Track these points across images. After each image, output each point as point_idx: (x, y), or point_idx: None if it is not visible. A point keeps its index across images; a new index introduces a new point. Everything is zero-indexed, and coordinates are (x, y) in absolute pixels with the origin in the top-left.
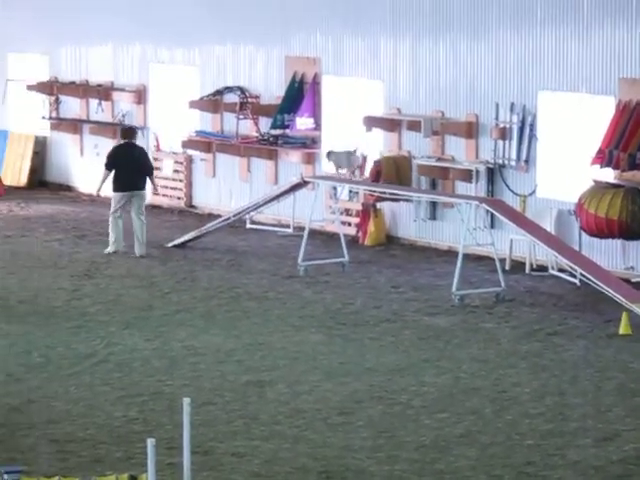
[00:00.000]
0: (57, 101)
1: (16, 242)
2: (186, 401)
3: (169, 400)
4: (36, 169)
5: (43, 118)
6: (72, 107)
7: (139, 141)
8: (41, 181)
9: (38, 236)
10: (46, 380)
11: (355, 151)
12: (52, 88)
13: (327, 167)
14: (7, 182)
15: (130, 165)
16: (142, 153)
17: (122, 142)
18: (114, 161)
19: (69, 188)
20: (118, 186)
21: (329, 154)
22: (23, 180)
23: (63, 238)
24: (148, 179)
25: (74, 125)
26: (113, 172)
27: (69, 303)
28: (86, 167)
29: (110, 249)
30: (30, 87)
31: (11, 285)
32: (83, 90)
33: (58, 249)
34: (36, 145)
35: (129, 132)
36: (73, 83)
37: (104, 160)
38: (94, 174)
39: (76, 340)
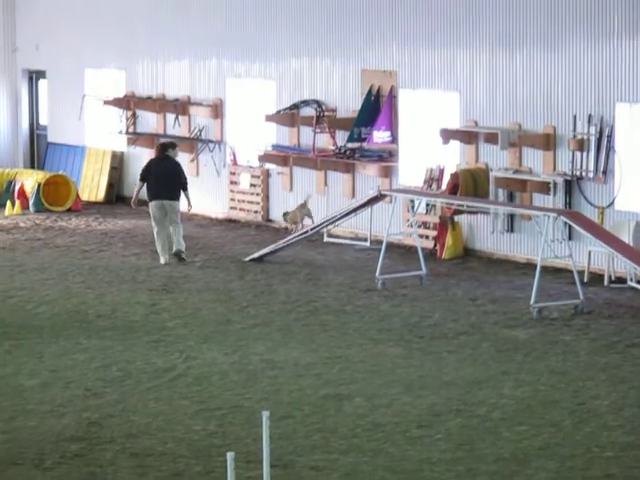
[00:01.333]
0: (134, 116)
1: (94, 257)
2: (265, 414)
3: (248, 414)
4: (113, 184)
5: (120, 133)
6: (149, 122)
7: (216, 155)
8: (118, 196)
9: (116, 251)
10: (125, 394)
11: (306, 201)
12: (129, 103)
13: (404, 180)
14: (85, 197)
15: (160, 176)
16: (175, 167)
17: (155, 156)
18: (146, 172)
19: (147, 203)
20: (150, 195)
21: (284, 215)
22: (101, 195)
23: (141, 252)
24: (183, 193)
25: (151, 140)
26: (146, 183)
27: (147, 317)
28: None
29: (162, 261)
30: (107, 102)
31: (89, 300)
32: (160, 105)
33: (136, 263)
34: (113, 160)
35: (163, 147)
36: (150, 98)
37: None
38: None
39: (155, 354)
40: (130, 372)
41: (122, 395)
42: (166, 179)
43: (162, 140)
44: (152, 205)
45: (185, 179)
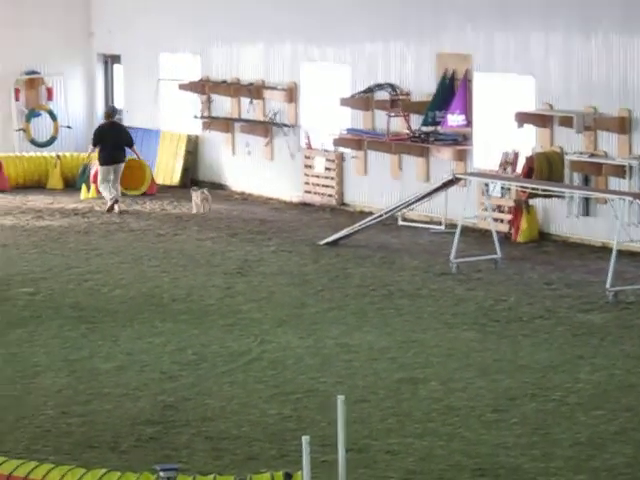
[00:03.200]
0: (209, 100)
1: (169, 240)
2: (340, 399)
3: (323, 398)
4: (188, 168)
5: (195, 117)
6: (224, 106)
7: (290, 139)
8: (193, 180)
9: (191, 234)
10: (200, 378)
11: (202, 190)
12: (204, 87)
13: (479, 164)
14: (160, 181)
15: (113, 141)
16: (122, 130)
17: (105, 122)
18: (100, 138)
19: (221, 186)
20: (106, 160)
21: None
22: (176, 179)
23: (215, 236)
24: (130, 150)
25: (226, 124)
26: (99, 148)
27: (222, 301)
28: (238, 165)
29: (110, 202)
30: (182, 87)
31: (164, 283)
32: (234, 89)
33: (211, 247)
34: (188, 144)
35: (114, 112)
36: (224, 82)
37: (92, 137)
38: (246, 172)
39: (230, 338)
40: (205, 356)
41: (197, 378)
42: (120, 144)
43: (109, 104)
44: (108, 168)
45: (131, 137)
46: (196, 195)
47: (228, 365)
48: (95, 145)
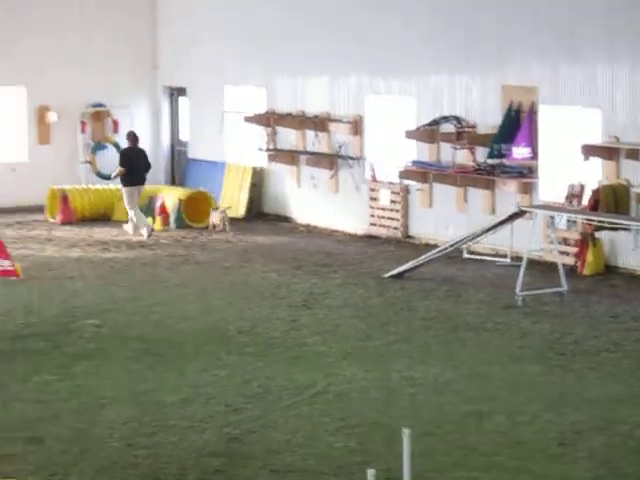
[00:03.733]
0: (274, 132)
1: (234, 273)
2: (406, 432)
3: (388, 431)
4: (254, 200)
5: (260, 150)
6: (288, 138)
7: (355, 171)
8: (259, 212)
9: (256, 267)
10: (265, 410)
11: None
12: (269, 120)
13: (545, 196)
14: None
15: (140, 164)
16: (144, 155)
17: (130, 146)
18: (128, 160)
19: (286, 219)
20: (131, 181)
21: (214, 210)
22: (241, 211)
23: (281, 269)
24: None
25: (291, 156)
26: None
27: (287, 334)
28: (303, 198)
29: (146, 233)
30: (247, 119)
31: (230, 316)
32: (299, 121)
33: (276, 280)
34: (253, 176)
35: (135, 138)
36: (290, 114)
37: (119, 159)
38: (311, 205)
39: (295, 371)
40: (270, 388)
41: (263, 411)
42: (144, 167)
43: (131, 129)
44: (132, 189)
45: (149, 163)
46: (214, 215)
47: (293, 398)
48: (124, 165)
